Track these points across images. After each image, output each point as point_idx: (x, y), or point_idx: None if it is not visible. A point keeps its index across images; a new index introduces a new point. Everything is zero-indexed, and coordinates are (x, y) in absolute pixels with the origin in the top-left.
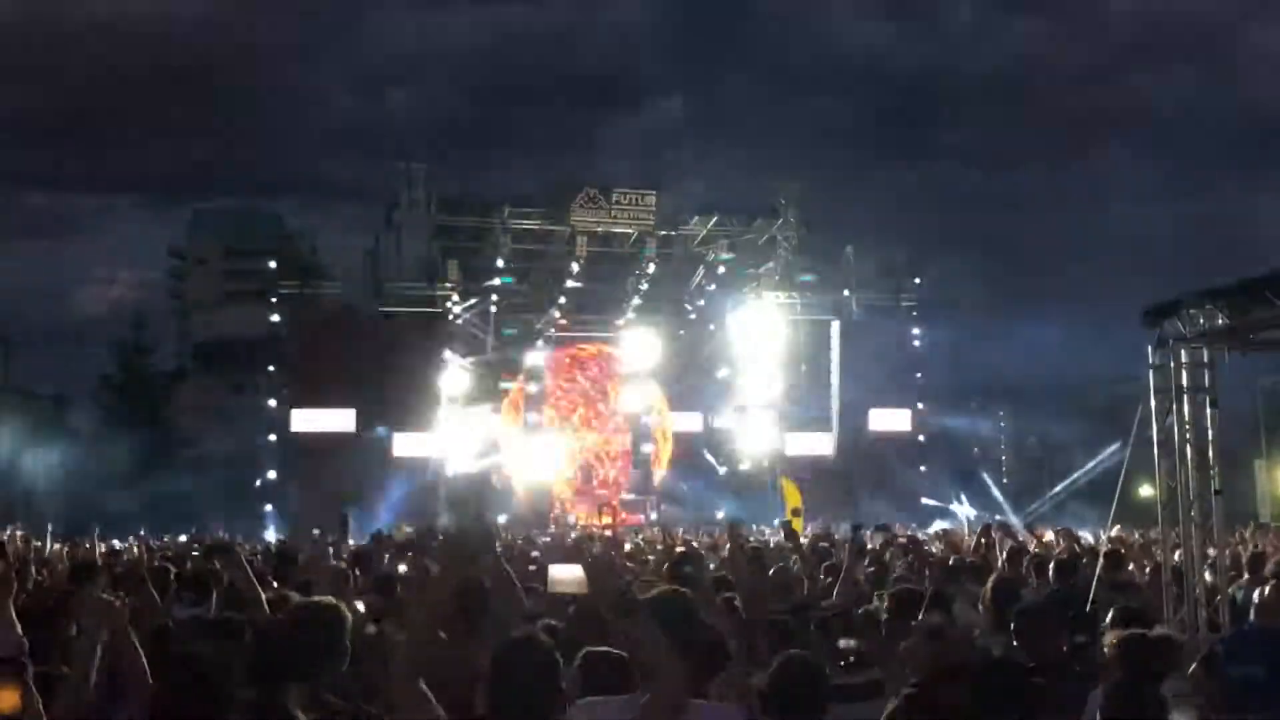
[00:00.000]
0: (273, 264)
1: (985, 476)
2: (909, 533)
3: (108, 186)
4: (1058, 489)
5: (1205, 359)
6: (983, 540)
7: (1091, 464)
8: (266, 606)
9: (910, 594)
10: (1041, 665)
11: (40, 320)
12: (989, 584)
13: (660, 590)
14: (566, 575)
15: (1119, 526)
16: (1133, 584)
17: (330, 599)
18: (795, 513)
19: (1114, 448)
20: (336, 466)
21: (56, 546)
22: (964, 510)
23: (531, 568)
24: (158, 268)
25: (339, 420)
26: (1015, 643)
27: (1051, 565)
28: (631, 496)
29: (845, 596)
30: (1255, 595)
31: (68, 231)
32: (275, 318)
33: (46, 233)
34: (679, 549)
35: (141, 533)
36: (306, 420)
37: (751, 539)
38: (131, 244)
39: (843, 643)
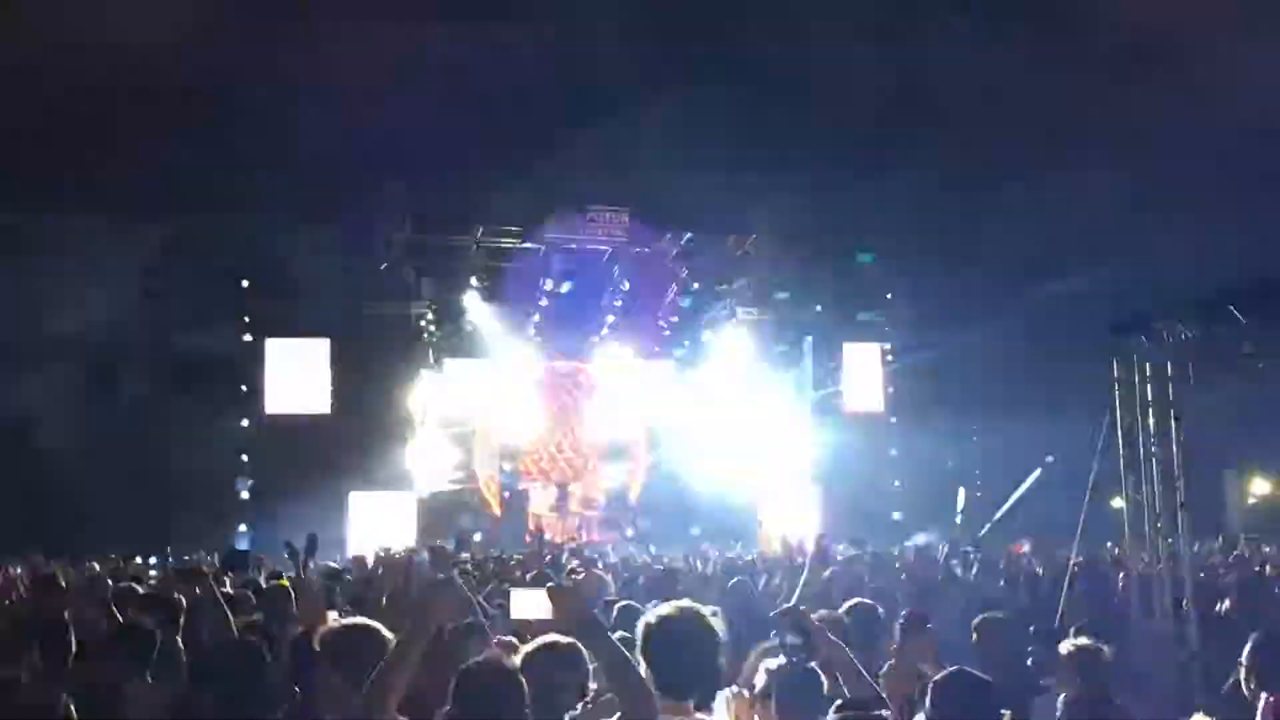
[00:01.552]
0: (245, 283)
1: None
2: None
3: (79, 205)
4: (1002, 510)
5: (1170, 373)
6: (953, 559)
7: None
8: (235, 631)
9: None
10: (1008, 677)
11: (7, 340)
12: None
13: (623, 608)
14: (529, 601)
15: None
16: (1101, 596)
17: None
18: None
19: (1038, 473)
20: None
21: (19, 570)
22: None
23: (506, 585)
24: (130, 287)
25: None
26: (982, 654)
27: (1021, 578)
28: (607, 514)
29: (804, 600)
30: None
31: (38, 250)
32: (248, 337)
33: (16, 251)
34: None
35: (112, 555)
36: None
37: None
38: (103, 263)
39: (789, 639)
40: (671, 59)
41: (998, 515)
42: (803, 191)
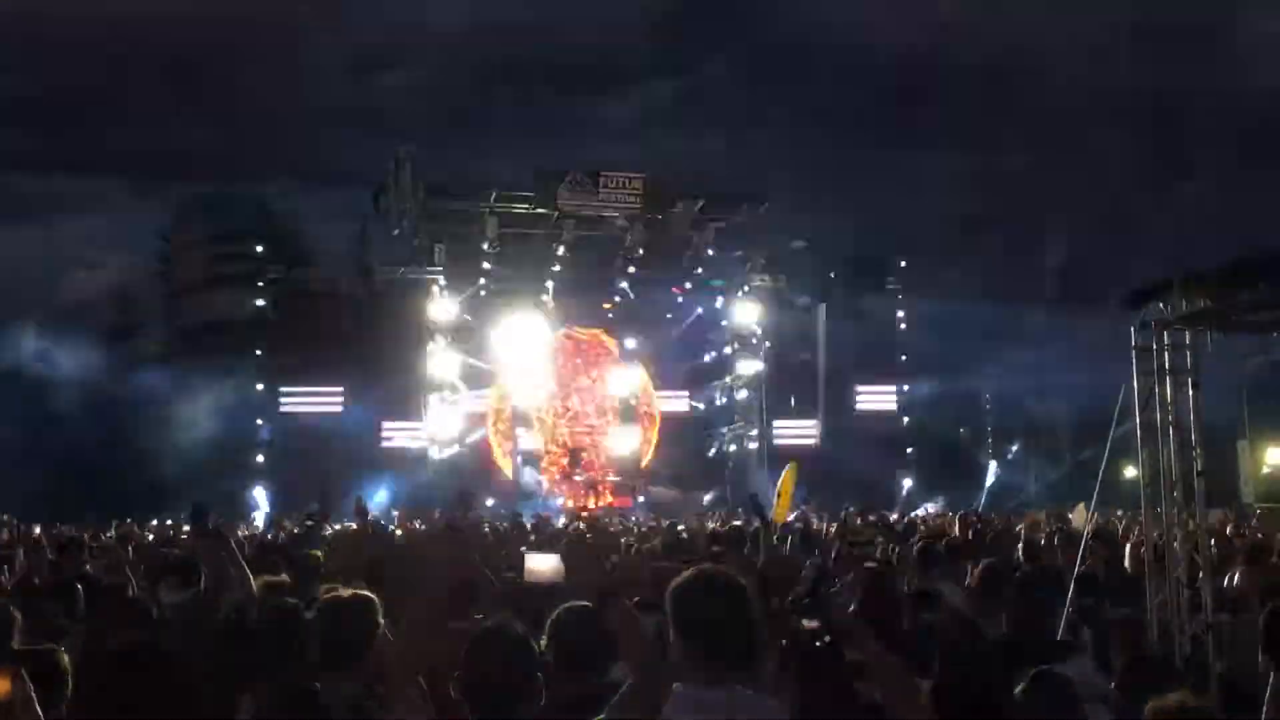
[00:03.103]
0: (260, 247)
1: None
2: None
3: (94, 169)
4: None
5: (1188, 341)
6: (966, 526)
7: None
8: (255, 592)
9: (878, 577)
10: (1033, 642)
11: (25, 303)
12: (979, 568)
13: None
14: (542, 564)
15: (1082, 508)
16: (1114, 563)
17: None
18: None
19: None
20: (325, 450)
21: (38, 530)
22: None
23: (523, 548)
24: (144, 251)
25: (326, 401)
26: (1007, 621)
27: (1023, 546)
28: (619, 479)
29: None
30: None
31: (53, 214)
32: (261, 301)
33: (32, 215)
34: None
35: (128, 520)
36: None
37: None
38: (118, 227)
39: (805, 623)
40: (687, 26)
41: (986, 489)
42: (818, 159)
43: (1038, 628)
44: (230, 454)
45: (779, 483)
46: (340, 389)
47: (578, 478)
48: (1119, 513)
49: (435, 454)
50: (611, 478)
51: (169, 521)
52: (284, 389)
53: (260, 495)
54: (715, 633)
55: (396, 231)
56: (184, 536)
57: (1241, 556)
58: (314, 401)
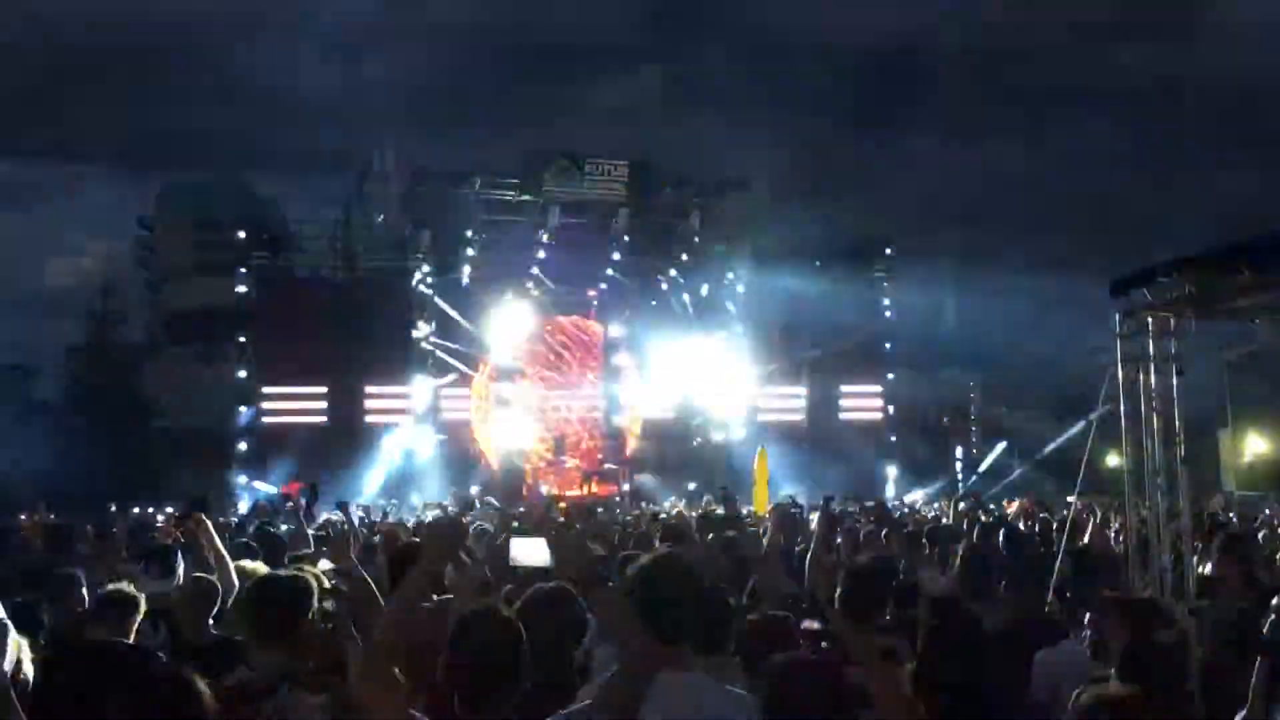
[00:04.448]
0: (242, 234)
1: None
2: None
3: (76, 156)
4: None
5: (1172, 327)
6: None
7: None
8: (234, 575)
9: (868, 571)
10: (1017, 626)
11: (6, 290)
12: (961, 552)
13: (646, 561)
14: (530, 550)
15: (1076, 496)
16: (1091, 550)
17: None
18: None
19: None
20: (310, 439)
21: (23, 518)
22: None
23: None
24: (126, 238)
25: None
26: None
27: (1005, 532)
28: (605, 467)
29: (814, 581)
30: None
31: (35, 201)
32: (243, 288)
33: (13, 202)
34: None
35: (112, 508)
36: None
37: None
38: (100, 214)
39: (805, 623)
40: (673, 13)
41: (973, 478)
42: (806, 146)
43: (1028, 611)
44: (212, 442)
45: (753, 471)
46: (324, 389)
47: (567, 465)
48: (1105, 499)
49: (419, 442)
50: (609, 465)
51: (149, 509)
52: (265, 389)
53: (243, 482)
54: (675, 615)
55: (380, 217)
56: (159, 525)
57: (1217, 543)
58: (297, 409)
